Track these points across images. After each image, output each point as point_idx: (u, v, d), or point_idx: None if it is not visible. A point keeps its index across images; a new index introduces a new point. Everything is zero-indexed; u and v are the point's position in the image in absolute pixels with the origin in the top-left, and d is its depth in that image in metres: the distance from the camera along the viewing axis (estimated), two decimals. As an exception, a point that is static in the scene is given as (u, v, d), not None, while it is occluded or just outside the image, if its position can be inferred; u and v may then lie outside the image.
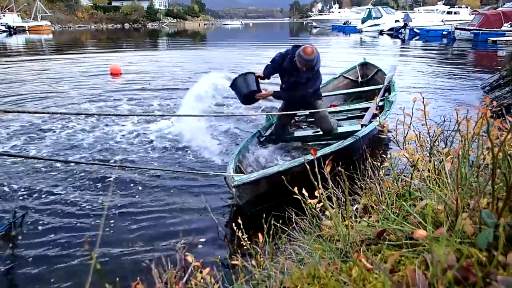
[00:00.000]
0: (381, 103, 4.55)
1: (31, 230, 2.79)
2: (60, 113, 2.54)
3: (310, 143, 4.28)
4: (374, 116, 3.83)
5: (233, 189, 2.70)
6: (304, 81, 3.65)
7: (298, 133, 4.45)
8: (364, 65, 6.51)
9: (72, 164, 4.01)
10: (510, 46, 16.71)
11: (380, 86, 5.39)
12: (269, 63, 3.91)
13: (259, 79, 3.85)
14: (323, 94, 4.32)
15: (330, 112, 4.37)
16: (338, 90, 5.99)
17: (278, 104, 4.97)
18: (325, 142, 4.11)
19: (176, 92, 7.82)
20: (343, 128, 4.14)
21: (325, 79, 5.56)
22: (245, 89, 3.74)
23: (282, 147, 4.16)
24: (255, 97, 3.81)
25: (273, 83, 4.18)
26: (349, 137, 3.51)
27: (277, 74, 3.92)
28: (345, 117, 4.88)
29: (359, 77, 6.34)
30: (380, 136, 4.08)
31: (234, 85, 3.79)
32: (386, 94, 4.93)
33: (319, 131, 4.12)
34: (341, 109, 5.03)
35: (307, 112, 4.23)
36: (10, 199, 3.21)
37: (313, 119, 4.25)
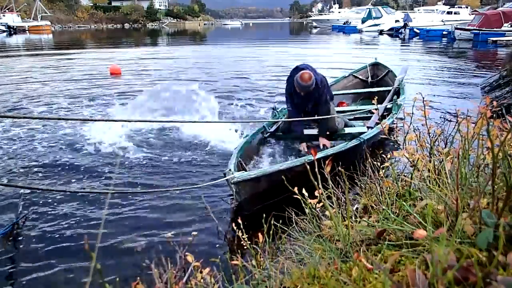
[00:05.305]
0: (389, 105, 4.53)
1: (32, 230, 2.79)
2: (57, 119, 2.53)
3: (315, 142, 4.27)
4: (381, 118, 3.87)
5: (233, 186, 2.70)
6: (318, 101, 3.80)
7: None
8: (375, 65, 6.46)
9: (74, 164, 4.01)
10: (510, 46, 16.69)
11: (390, 88, 5.36)
12: (289, 108, 4.02)
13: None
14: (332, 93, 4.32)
15: (337, 111, 4.36)
16: (347, 89, 5.95)
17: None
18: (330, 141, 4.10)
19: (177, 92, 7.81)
20: (349, 129, 4.13)
21: (331, 77, 5.57)
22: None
23: (286, 144, 4.12)
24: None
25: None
26: (354, 139, 3.51)
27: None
28: (352, 117, 4.86)
29: (369, 77, 6.30)
30: (384, 137, 4.08)
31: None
32: (395, 97, 4.87)
33: None
34: (349, 109, 5.01)
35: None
36: (13, 200, 3.21)
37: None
